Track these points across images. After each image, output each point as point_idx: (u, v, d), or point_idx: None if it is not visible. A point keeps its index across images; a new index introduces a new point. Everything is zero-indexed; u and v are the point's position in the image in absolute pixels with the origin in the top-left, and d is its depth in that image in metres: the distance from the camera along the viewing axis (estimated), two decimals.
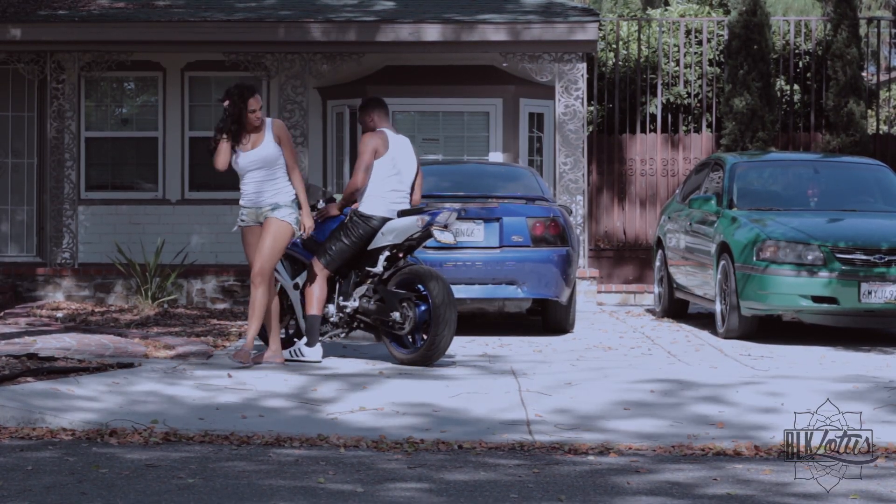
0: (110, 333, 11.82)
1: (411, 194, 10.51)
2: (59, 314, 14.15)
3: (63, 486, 6.25)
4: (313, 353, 10.21)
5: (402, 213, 10.26)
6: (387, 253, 10.26)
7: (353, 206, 10.38)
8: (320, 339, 10.45)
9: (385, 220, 10.21)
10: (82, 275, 16.03)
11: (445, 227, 10.22)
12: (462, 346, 11.41)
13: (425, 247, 11.79)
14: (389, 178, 10.28)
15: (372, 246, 10.25)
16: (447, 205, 11.76)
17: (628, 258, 18.52)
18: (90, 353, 10.28)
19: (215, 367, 9.73)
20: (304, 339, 10.28)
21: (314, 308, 10.23)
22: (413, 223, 10.15)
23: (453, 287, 12.08)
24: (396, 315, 10.07)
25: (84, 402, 8.21)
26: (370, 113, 10.46)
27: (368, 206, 10.24)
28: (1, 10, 16.27)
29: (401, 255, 10.35)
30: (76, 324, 12.95)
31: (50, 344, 10.83)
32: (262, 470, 6.71)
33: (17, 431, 7.60)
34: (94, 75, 16.58)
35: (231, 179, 17.06)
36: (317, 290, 10.25)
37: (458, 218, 12.22)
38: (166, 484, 6.33)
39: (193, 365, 9.81)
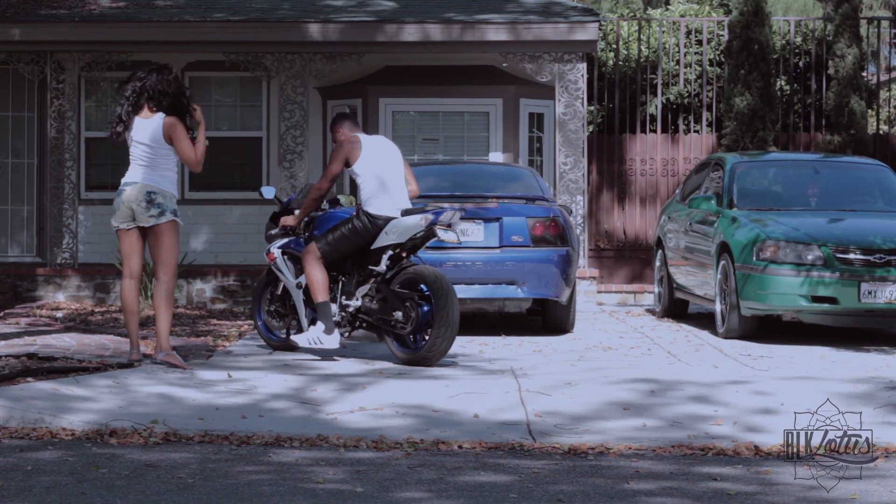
0: (110, 333, 11.82)
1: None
2: (59, 314, 14.15)
3: (63, 486, 6.25)
4: (332, 340, 10.18)
5: (405, 213, 10.27)
6: (390, 252, 10.26)
7: (357, 205, 10.41)
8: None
9: (389, 219, 10.21)
10: (82, 275, 16.03)
11: (449, 226, 10.23)
12: (462, 346, 11.40)
13: (426, 247, 11.81)
14: (379, 175, 10.28)
15: (375, 245, 10.24)
16: (447, 205, 11.77)
17: (628, 258, 18.52)
18: (90, 354, 10.28)
19: (215, 367, 9.73)
20: (322, 326, 10.22)
21: (321, 294, 10.21)
22: (416, 222, 10.15)
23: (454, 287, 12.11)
24: (399, 315, 10.07)
25: (84, 403, 8.21)
26: (339, 128, 10.54)
27: (375, 206, 10.24)
28: (1, 10, 16.27)
29: (404, 254, 10.35)
30: (76, 324, 12.95)
31: (50, 344, 10.83)
32: (262, 470, 6.71)
33: (17, 431, 7.60)
34: (94, 75, 16.58)
35: (230, 179, 17.11)
36: (319, 277, 10.23)
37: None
38: (166, 484, 6.34)
39: (193, 365, 9.81)
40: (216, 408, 8.30)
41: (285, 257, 10.69)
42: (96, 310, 14.81)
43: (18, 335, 11.44)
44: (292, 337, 10.56)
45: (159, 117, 9.67)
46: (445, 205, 11.94)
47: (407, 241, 10.22)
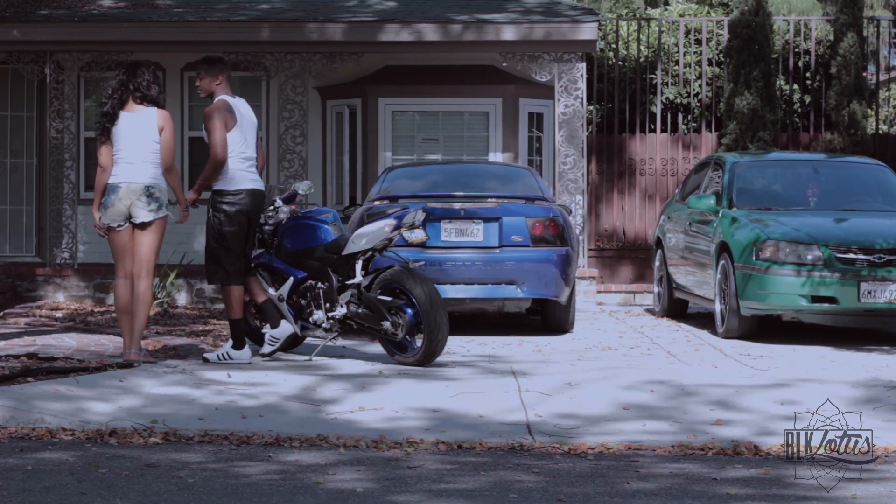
0: (110, 333, 11.82)
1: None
2: (59, 314, 14.15)
3: (63, 486, 6.25)
4: (240, 355, 10.12)
5: (370, 217, 10.27)
6: (362, 259, 10.26)
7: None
8: (315, 343, 10.46)
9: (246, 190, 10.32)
10: (82, 275, 16.03)
11: (413, 225, 10.24)
12: (462, 345, 11.41)
13: (426, 247, 11.82)
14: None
15: (346, 251, 10.24)
16: (439, 204, 11.66)
17: (628, 258, 18.52)
18: (90, 353, 10.28)
19: (215, 367, 9.73)
20: (230, 343, 10.18)
21: (235, 311, 10.17)
22: (381, 229, 10.16)
23: (453, 287, 12.13)
24: (387, 325, 10.06)
25: (84, 403, 8.21)
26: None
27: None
28: (1, 10, 16.27)
29: (375, 254, 10.36)
30: (76, 324, 12.96)
31: (50, 344, 10.83)
32: (262, 470, 6.71)
33: (17, 431, 7.60)
34: (93, 75, 16.58)
35: None
36: (232, 293, 10.19)
37: (458, 217, 12.27)
38: (166, 484, 6.34)
39: (193, 365, 9.81)
40: (216, 407, 8.31)
41: (259, 269, 10.65)
42: (96, 310, 14.81)
43: (18, 335, 11.44)
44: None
45: (151, 110, 9.75)
46: (437, 204, 12.05)
47: (377, 244, 10.23)
